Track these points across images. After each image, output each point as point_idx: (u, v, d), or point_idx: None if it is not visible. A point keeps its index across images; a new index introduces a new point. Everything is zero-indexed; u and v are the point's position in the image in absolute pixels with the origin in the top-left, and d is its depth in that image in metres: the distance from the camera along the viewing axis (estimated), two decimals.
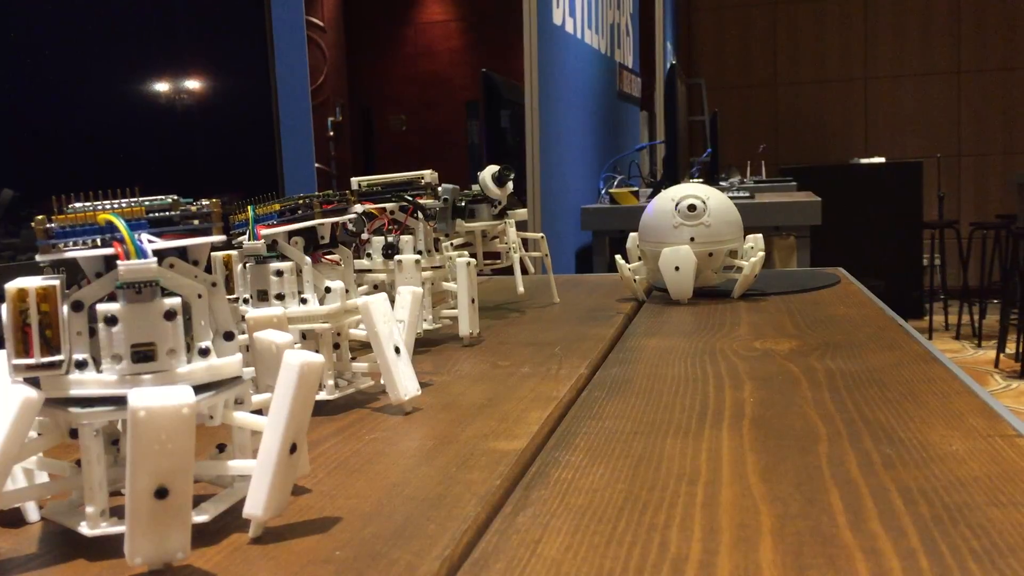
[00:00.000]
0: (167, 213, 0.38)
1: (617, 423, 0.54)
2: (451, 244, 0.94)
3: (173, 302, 0.37)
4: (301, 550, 0.37)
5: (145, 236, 0.37)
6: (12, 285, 0.36)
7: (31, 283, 0.36)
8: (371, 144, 5.78)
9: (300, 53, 1.70)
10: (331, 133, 5.46)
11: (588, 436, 0.51)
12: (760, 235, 0.95)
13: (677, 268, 0.93)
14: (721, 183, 4.51)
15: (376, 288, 0.79)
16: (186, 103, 1.02)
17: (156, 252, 0.37)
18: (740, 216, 0.95)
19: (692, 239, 0.91)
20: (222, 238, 0.39)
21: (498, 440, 0.51)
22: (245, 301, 0.59)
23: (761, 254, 0.94)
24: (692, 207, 0.90)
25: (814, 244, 3.35)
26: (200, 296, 0.39)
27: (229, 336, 0.40)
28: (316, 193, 0.59)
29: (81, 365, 0.37)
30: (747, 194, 3.51)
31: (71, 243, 0.37)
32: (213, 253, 0.58)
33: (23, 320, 0.36)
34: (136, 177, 0.94)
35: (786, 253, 4.30)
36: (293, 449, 0.38)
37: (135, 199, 0.39)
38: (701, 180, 4.72)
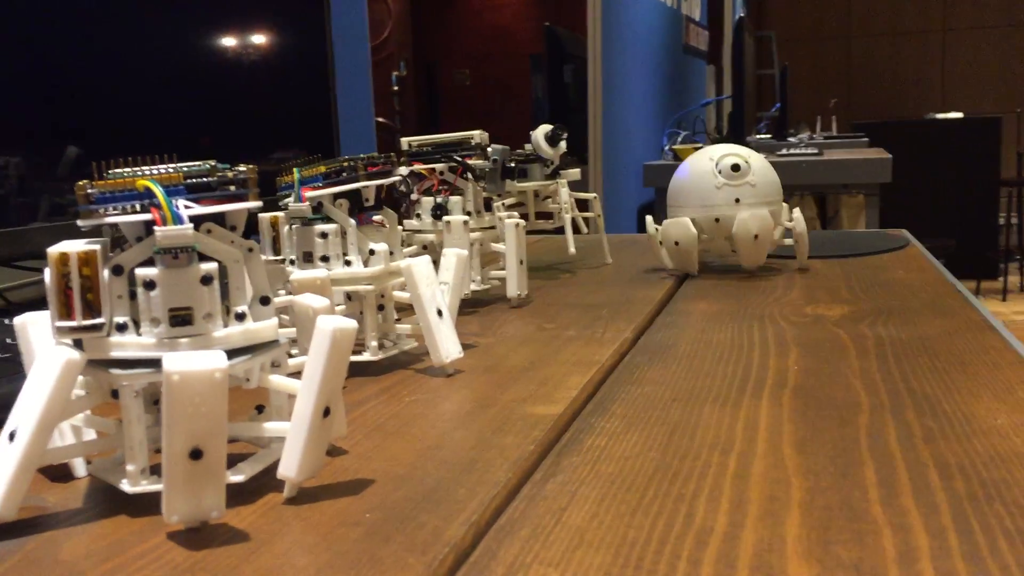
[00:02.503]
0: (204, 179, 0.39)
1: (656, 389, 0.54)
2: (503, 204, 0.94)
3: (209, 267, 0.38)
4: (333, 511, 0.38)
5: (182, 202, 0.38)
6: (54, 249, 0.37)
7: (73, 247, 0.37)
8: (435, 99, 5.78)
9: (359, 8, 1.70)
10: (395, 88, 5.47)
11: (626, 402, 0.51)
12: (798, 211, 0.90)
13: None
14: (790, 139, 4.42)
15: (425, 248, 0.79)
16: (241, 59, 1.03)
17: (194, 218, 0.38)
18: (779, 179, 0.90)
19: (737, 200, 0.86)
20: (259, 204, 0.40)
21: (536, 405, 0.51)
22: (292, 262, 0.59)
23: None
24: (736, 166, 0.86)
25: (885, 202, 3.28)
26: (236, 261, 0.39)
27: (265, 301, 0.41)
28: (361, 155, 0.59)
29: (122, 328, 0.38)
30: (815, 151, 3.44)
31: (110, 208, 0.38)
32: (260, 215, 0.59)
33: (65, 283, 0.37)
34: (187, 131, 0.96)
35: (854, 212, 4.21)
36: (326, 413, 0.39)
37: (173, 165, 0.39)
38: (769, 135, 4.63)
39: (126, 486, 0.38)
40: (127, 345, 0.38)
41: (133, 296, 0.38)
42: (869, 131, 5.06)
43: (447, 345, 0.58)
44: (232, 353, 0.38)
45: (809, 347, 0.62)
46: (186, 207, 0.38)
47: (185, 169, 0.39)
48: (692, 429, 0.46)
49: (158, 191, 0.37)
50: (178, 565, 0.34)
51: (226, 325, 0.39)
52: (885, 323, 0.68)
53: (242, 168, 0.40)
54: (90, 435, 0.43)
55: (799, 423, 0.47)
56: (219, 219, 0.40)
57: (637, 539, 0.34)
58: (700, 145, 3.44)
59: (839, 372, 0.56)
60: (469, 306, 0.79)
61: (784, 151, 3.51)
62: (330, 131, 1.17)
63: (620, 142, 3.03)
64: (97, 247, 0.37)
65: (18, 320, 0.42)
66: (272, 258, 0.59)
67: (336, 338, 0.38)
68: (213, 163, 0.40)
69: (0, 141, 0.78)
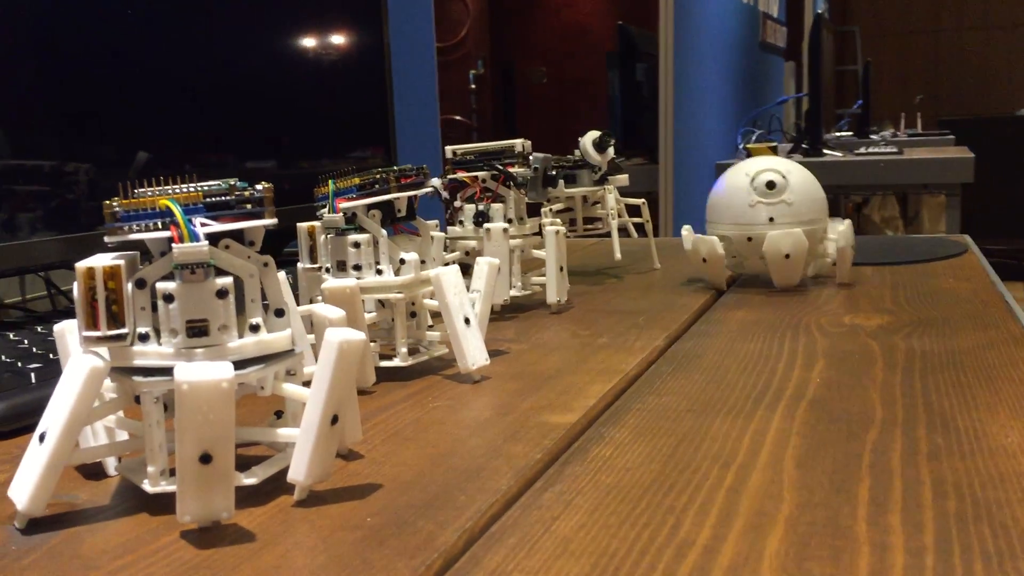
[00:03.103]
0: (223, 198, 0.41)
1: (673, 400, 0.54)
2: (551, 209, 0.95)
3: (225, 281, 0.40)
4: (336, 515, 0.40)
5: (199, 220, 0.40)
6: (82, 264, 0.39)
7: (99, 262, 0.39)
8: (512, 97, 5.80)
9: (426, 8, 1.72)
10: (472, 86, 5.51)
11: (640, 413, 0.52)
12: (849, 223, 0.87)
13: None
14: (872, 136, 4.34)
15: (468, 254, 0.81)
16: (299, 60, 1.06)
17: (213, 234, 0.40)
18: (824, 195, 0.87)
19: (771, 219, 0.84)
20: (273, 221, 0.42)
21: (552, 413, 0.52)
22: (327, 270, 0.62)
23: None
24: (771, 184, 0.84)
25: (971, 203, 3.19)
26: (252, 275, 0.42)
27: (279, 313, 0.43)
28: (394, 167, 0.61)
29: (144, 338, 0.40)
30: (895, 149, 3.37)
31: (134, 226, 0.40)
32: (299, 224, 0.62)
33: (92, 296, 0.39)
34: (245, 135, 0.99)
35: (936, 212, 4.11)
36: (334, 420, 0.41)
37: (195, 184, 0.42)
38: (851, 133, 4.55)
39: (147, 486, 0.41)
40: (148, 354, 0.40)
41: (155, 307, 0.41)
42: (956, 128, 4.92)
43: (473, 353, 0.59)
44: (246, 363, 0.41)
45: (837, 358, 0.62)
46: (203, 225, 0.40)
47: (205, 188, 0.41)
48: (699, 441, 0.47)
49: (176, 210, 0.39)
50: (186, 562, 0.36)
51: (241, 336, 0.41)
52: (921, 335, 0.68)
53: (259, 187, 0.42)
54: (122, 436, 0.46)
55: (807, 437, 0.47)
56: (238, 235, 0.42)
57: (619, 550, 0.35)
58: (775, 144, 3.40)
59: (860, 385, 0.56)
60: (510, 312, 0.81)
61: (863, 149, 3.45)
62: (387, 131, 1.19)
63: (692, 140, 3.02)
64: (122, 262, 0.40)
65: (57, 327, 0.45)
66: (309, 266, 0.62)
67: (343, 350, 0.40)
68: (233, 182, 0.42)
69: (71, 147, 0.82)
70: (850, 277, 0.89)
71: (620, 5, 5.40)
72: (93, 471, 0.46)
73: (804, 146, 3.22)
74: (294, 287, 0.71)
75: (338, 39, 1.13)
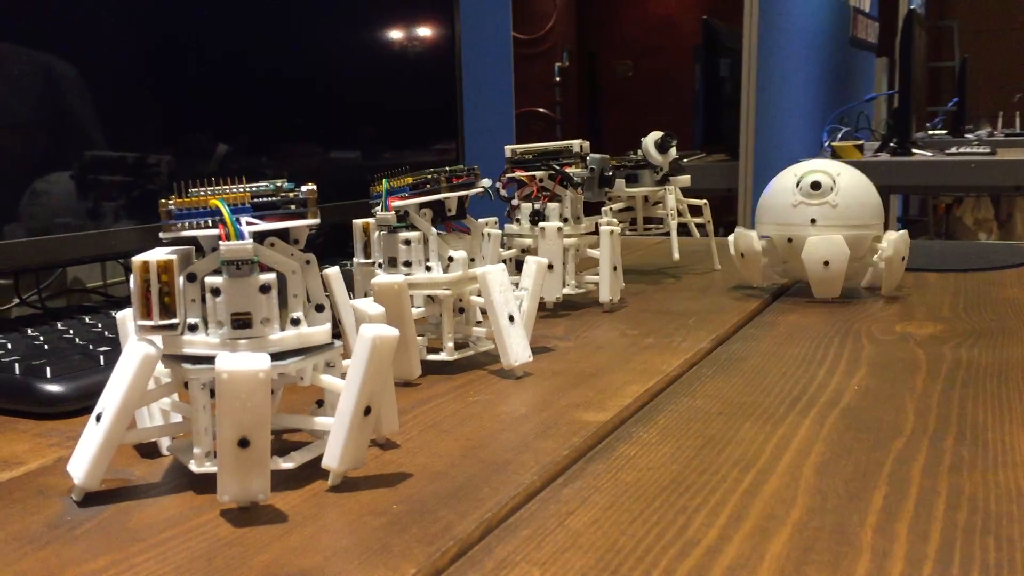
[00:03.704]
0: (269, 198, 0.44)
1: (707, 403, 0.55)
2: (611, 208, 0.97)
3: (268, 277, 0.43)
4: (366, 501, 0.42)
5: (245, 219, 0.43)
6: (138, 258, 0.42)
7: (154, 256, 0.42)
8: (596, 90, 5.79)
9: (502, 3, 1.74)
10: (557, 79, 5.52)
11: (672, 414, 0.54)
12: (904, 233, 0.84)
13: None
14: (967, 135, 4.22)
15: (524, 252, 0.83)
16: (369, 54, 1.09)
17: (259, 233, 0.43)
18: (879, 200, 0.84)
19: (813, 221, 0.82)
20: (316, 221, 0.44)
21: (587, 411, 0.54)
22: (379, 266, 0.64)
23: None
24: (816, 184, 0.82)
25: None
26: (294, 272, 0.44)
27: (320, 308, 0.45)
28: (446, 168, 0.63)
29: (193, 328, 0.43)
30: (987, 150, 3.27)
31: (187, 223, 0.43)
32: (354, 221, 0.64)
33: (146, 288, 0.42)
34: (319, 125, 1.03)
35: None
36: (367, 412, 0.43)
37: (243, 185, 0.44)
38: (945, 131, 4.43)
39: (193, 466, 0.43)
40: (196, 343, 0.43)
41: (205, 300, 0.43)
42: None
43: (516, 349, 0.61)
44: (286, 354, 0.43)
45: (880, 367, 0.62)
46: (249, 224, 0.43)
47: (253, 189, 0.44)
48: (724, 444, 0.48)
49: (224, 209, 0.42)
50: (221, 539, 0.39)
51: (283, 329, 0.44)
52: (971, 345, 0.67)
53: (303, 188, 0.44)
54: (176, 418, 0.49)
55: (831, 444, 0.48)
56: (283, 234, 0.45)
57: (625, 546, 0.37)
58: (862, 142, 3.34)
59: (897, 394, 0.56)
60: (563, 309, 0.83)
61: (954, 149, 3.36)
62: (455, 125, 1.21)
63: (774, 138, 2.98)
64: (175, 257, 0.43)
65: (119, 315, 0.48)
66: (363, 261, 0.65)
67: (375, 345, 0.42)
68: (280, 183, 0.45)
69: (153, 139, 0.86)
70: (894, 288, 0.86)
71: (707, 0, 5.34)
72: (149, 450, 0.49)
73: (892, 145, 3.15)
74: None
75: (409, 32, 1.15)
